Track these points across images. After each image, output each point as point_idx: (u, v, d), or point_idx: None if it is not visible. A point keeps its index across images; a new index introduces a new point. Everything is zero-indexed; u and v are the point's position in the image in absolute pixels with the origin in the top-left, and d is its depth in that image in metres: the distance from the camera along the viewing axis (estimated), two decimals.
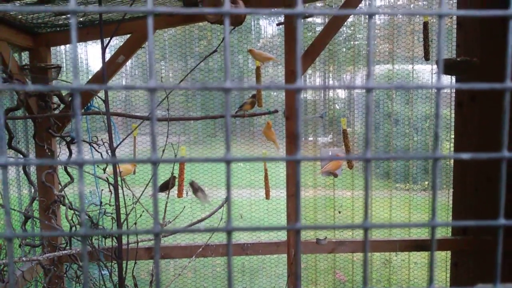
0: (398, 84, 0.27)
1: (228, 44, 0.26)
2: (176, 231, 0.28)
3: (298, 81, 0.26)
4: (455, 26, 2.85)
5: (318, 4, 3.06)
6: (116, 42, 3.34)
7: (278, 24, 2.55)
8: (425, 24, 2.64)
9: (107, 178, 1.87)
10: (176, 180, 2.59)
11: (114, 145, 1.83)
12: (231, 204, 0.28)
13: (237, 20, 1.85)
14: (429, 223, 0.27)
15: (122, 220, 1.83)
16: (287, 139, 2.70)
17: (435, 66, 3.05)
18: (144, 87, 0.26)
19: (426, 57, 2.64)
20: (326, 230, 3.15)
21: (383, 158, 0.27)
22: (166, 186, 2.54)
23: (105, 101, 1.72)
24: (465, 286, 2.54)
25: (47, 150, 2.45)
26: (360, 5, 2.72)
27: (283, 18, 2.46)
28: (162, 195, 2.66)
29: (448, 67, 2.39)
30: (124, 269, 1.94)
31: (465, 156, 0.26)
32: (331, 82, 3.51)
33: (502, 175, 0.26)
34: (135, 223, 1.92)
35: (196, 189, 2.56)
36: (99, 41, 1.88)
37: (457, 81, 2.85)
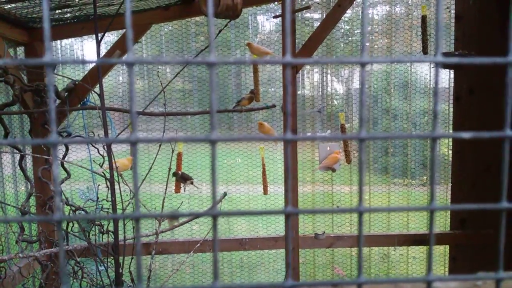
0: (395, 58, 0.25)
1: (212, 15, 0.24)
2: (158, 216, 0.27)
3: (287, 56, 0.24)
4: (453, 20, 2.84)
5: (317, 0, 3.04)
6: (112, 37, 3.31)
7: (275, 17, 2.53)
8: (423, 18, 2.63)
9: (103, 173, 1.86)
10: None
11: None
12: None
13: (234, 13, 1.83)
14: (427, 206, 0.26)
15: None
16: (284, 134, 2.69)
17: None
18: (123, 61, 0.24)
19: (424, 51, 2.62)
20: (324, 224, 3.15)
21: (378, 137, 0.26)
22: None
23: (101, 95, 1.70)
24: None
25: (43, 146, 2.43)
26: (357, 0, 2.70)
27: (281, 10, 2.44)
28: (160, 191, 2.65)
29: None
30: (121, 265, 1.93)
31: (466, 135, 0.24)
32: (329, 77, 3.49)
33: (504, 155, 0.25)
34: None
35: (185, 178, 2.57)
36: (94, 37, 1.86)
37: (455, 75, 2.84)
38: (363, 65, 0.24)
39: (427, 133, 0.25)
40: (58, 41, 2.85)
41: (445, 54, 2.44)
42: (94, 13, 1.76)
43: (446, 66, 2.47)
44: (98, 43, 1.71)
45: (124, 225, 1.89)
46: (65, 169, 2.46)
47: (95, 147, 2.26)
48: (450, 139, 3.01)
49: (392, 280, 0.26)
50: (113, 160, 1.82)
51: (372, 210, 0.27)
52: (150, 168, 2.22)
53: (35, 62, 0.26)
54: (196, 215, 0.27)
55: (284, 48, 2.67)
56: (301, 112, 3.11)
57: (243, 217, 3.50)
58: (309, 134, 3.34)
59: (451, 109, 2.92)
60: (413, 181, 3.49)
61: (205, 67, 3.44)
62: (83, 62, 0.26)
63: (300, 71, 3.23)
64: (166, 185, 2.39)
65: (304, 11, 2.67)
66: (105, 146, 1.98)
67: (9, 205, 2.30)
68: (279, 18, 2.69)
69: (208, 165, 3.22)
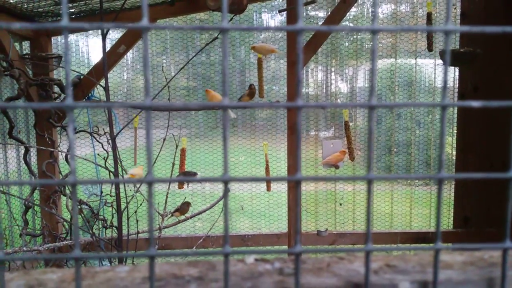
0: (404, 27, 0.26)
1: None
2: (169, 180, 0.27)
3: (300, 22, 0.25)
4: (458, 17, 2.83)
5: None
6: (117, 34, 3.32)
7: (280, 11, 2.53)
8: (429, 15, 2.62)
9: (106, 165, 1.87)
10: (190, 206, 2.60)
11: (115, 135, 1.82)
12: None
13: (239, 8, 1.84)
14: (435, 175, 0.26)
15: (122, 209, 1.83)
16: (288, 131, 2.69)
17: (438, 60, 3.03)
18: (136, 26, 0.24)
19: (430, 48, 2.62)
20: (327, 221, 3.14)
21: (386, 105, 0.26)
22: (177, 210, 2.58)
23: (106, 89, 1.71)
24: None
25: (47, 140, 2.45)
26: None
27: (286, 5, 2.44)
28: (163, 187, 2.66)
29: (452, 58, 2.38)
30: (124, 259, 1.93)
31: (475, 104, 0.24)
32: (333, 75, 3.49)
33: None
34: (135, 212, 1.92)
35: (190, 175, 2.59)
36: (100, 32, 1.87)
37: (460, 72, 2.83)
38: (374, 32, 0.24)
39: (436, 102, 0.25)
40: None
41: (451, 51, 2.43)
42: (100, 8, 1.77)
43: (452, 63, 2.46)
44: (104, 37, 1.72)
45: (128, 218, 1.89)
46: (69, 164, 2.47)
47: (99, 142, 2.27)
48: (454, 138, 3.00)
49: (400, 248, 0.27)
50: (117, 154, 1.83)
51: (380, 178, 0.27)
52: (154, 163, 2.23)
53: (52, 25, 0.27)
54: (207, 180, 0.28)
55: (296, 16, 2.65)
56: (305, 109, 3.11)
57: (246, 214, 3.50)
58: (312, 133, 3.34)
59: (456, 108, 2.92)
60: (416, 180, 3.49)
61: (208, 65, 3.45)
62: (99, 28, 0.26)
63: (304, 69, 3.23)
64: (180, 214, 2.42)
65: (309, 8, 2.67)
66: (109, 141, 1.99)
67: (13, 195, 2.31)
68: (284, 16, 2.69)
69: (211, 161, 3.22)
